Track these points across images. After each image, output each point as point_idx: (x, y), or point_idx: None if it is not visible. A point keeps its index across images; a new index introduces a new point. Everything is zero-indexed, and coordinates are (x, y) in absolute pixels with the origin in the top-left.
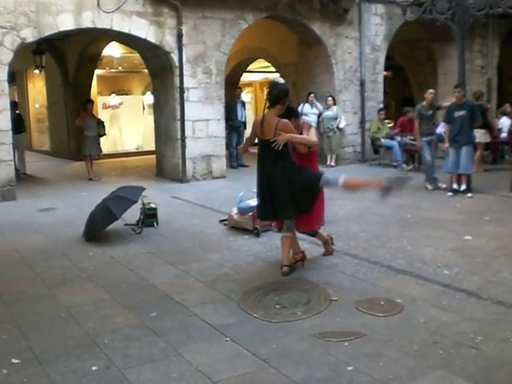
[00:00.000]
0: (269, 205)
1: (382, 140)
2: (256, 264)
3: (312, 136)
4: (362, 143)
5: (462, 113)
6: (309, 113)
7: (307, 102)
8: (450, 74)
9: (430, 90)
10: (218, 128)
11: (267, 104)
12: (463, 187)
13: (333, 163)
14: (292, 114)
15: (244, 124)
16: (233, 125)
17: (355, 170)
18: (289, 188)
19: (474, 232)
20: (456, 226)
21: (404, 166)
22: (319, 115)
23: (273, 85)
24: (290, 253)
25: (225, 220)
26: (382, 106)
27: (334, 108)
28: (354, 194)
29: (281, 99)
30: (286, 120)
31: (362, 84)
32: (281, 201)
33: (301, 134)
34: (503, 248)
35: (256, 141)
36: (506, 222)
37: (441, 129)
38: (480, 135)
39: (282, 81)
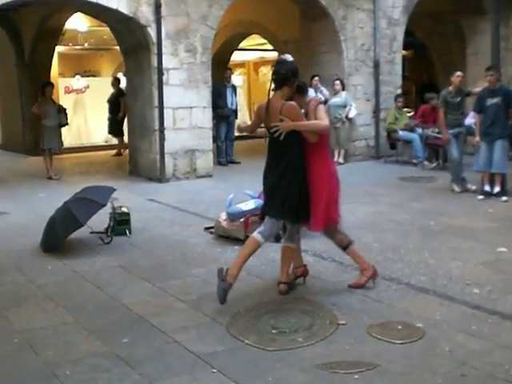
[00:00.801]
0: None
1: (400, 132)
2: (248, 280)
3: (321, 118)
4: (376, 136)
5: (495, 100)
6: None
7: (310, 86)
8: (482, 54)
9: (458, 73)
10: (204, 117)
11: (272, 86)
12: (497, 189)
13: (341, 160)
14: (297, 89)
15: (235, 112)
16: (221, 113)
17: (367, 168)
18: (287, 188)
19: (509, 243)
20: (488, 235)
21: (426, 163)
22: (325, 102)
23: (280, 62)
24: (290, 268)
25: (211, 228)
26: (399, 91)
27: (343, 94)
28: (366, 197)
29: (288, 80)
30: (292, 103)
31: (377, 65)
32: (277, 198)
33: (307, 114)
34: None
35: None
36: None
37: (470, 119)
38: None
39: (290, 58)
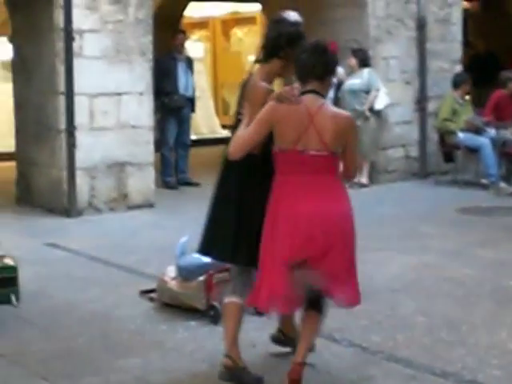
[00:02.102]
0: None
1: (461, 135)
2: (212, 377)
3: (245, 127)
4: (422, 141)
5: None
6: None
7: None
8: None
9: None
10: (141, 110)
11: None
12: None
13: (364, 179)
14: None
15: (191, 102)
16: (169, 104)
17: (407, 193)
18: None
19: None
20: None
21: (503, 185)
22: (338, 86)
23: (274, 21)
24: (234, 336)
25: (152, 291)
26: (459, 68)
27: (365, 72)
28: (405, 241)
29: (280, 49)
30: (263, 85)
31: (422, 26)
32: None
33: None
34: None
35: None
36: None
37: None
38: None
39: (294, 17)
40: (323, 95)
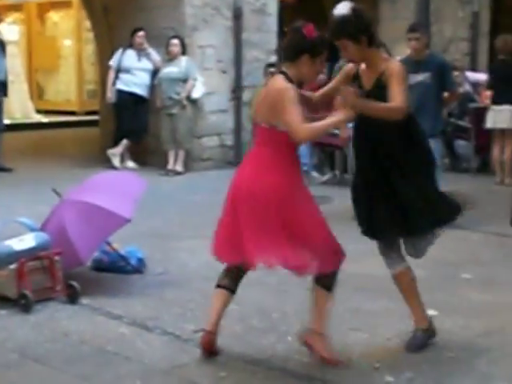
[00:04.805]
0: None
1: None
2: (24, 369)
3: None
4: (237, 130)
5: (421, 77)
6: (133, 68)
7: (131, 46)
8: (401, 3)
9: None
10: None
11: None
12: None
13: (179, 167)
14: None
15: (3, 85)
16: None
17: (222, 181)
18: None
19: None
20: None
21: (315, 174)
22: (154, 73)
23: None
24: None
25: None
26: (273, 59)
27: (183, 60)
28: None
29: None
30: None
31: (238, 16)
32: None
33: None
34: None
35: None
36: None
37: None
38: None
39: (346, 8)
40: (295, 75)
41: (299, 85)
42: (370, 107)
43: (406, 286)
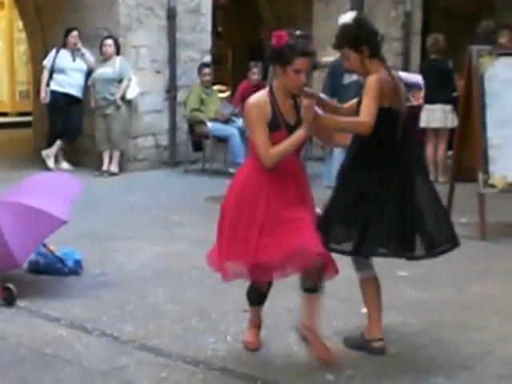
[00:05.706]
0: None
1: (210, 124)
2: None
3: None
4: (172, 130)
5: (355, 77)
6: (68, 68)
7: (64, 47)
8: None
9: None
10: None
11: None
12: None
13: (114, 168)
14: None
15: None
16: None
17: (157, 181)
18: None
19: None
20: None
21: None
22: (88, 73)
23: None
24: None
25: None
26: (208, 59)
27: (117, 61)
28: (154, 230)
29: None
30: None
31: (172, 16)
32: None
33: None
34: None
35: None
36: None
37: None
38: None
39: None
40: (279, 86)
41: (292, 94)
42: (333, 122)
43: (371, 293)
